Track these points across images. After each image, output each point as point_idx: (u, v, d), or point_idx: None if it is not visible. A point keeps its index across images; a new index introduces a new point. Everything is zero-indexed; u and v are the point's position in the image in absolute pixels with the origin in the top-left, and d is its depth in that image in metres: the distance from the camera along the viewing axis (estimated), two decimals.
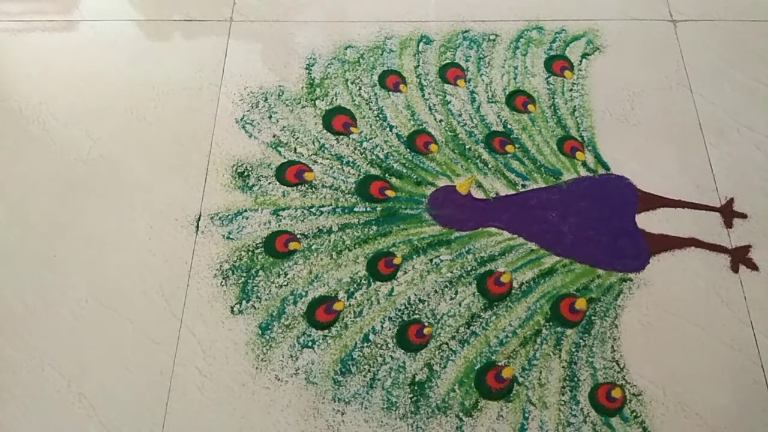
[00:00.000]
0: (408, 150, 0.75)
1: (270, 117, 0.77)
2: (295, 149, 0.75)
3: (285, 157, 0.75)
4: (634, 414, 0.61)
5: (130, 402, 0.62)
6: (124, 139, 0.76)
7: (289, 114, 0.77)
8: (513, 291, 0.67)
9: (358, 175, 0.73)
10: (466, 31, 0.83)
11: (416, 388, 0.62)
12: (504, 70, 0.80)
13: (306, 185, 0.73)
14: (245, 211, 0.71)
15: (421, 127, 0.77)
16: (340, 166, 0.74)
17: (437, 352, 0.64)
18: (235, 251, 0.69)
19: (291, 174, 0.74)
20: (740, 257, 0.68)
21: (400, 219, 0.71)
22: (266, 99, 0.78)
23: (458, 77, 0.80)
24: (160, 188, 0.73)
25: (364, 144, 0.75)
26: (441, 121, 0.77)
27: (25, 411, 0.62)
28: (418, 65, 0.81)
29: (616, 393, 0.61)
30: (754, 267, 0.67)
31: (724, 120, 0.76)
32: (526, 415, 0.60)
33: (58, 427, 0.61)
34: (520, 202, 0.72)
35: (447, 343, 0.64)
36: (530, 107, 0.78)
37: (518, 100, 0.78)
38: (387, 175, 0.73)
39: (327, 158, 0.74)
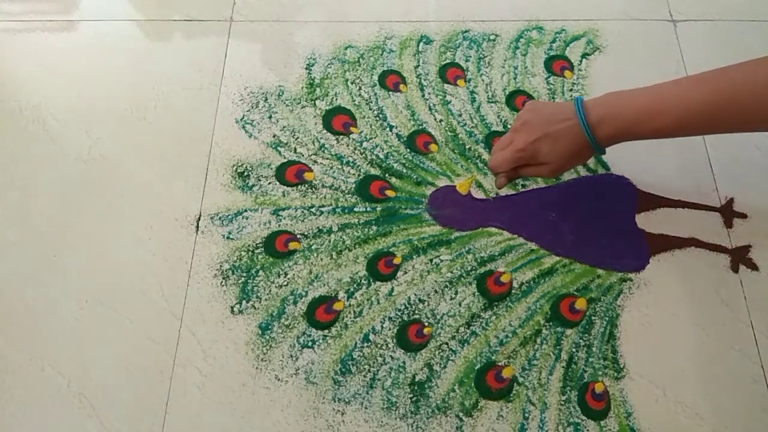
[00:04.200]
0: (408, 150, 0.75)
1: (270, 117, 0.77)
2: (295, 149, 0.75)
3: (285, 157, 0.75)
4: (632, 414, 0.61)
5: (130, 402, 0.62)
6: (124, 139, 0.76)
7: (289, 114, 0.77)
8: (513, 291, 0.67)
9: (358, 175, 0.73)
10: (466, 31, 0.84)
11: (416, 388, 0.62)
12: (504, 70, 0.80)
13: (306, 185, 0.73)
14: (245, 211, 0.71)
15: (421, 127, 0.77)
16: (340, 166, 0.74)
17: (437, 352, 0.64)
18: (235, 251, 0.69)
19: (291, 174, 0.74)
20: (740, 257, 0.68)
21: (400, 219, 0.71)
22: (266, 99, 0.78)
23: (458, 77, 0.80)
24: (160, 188, 0.73)
25: (364, 144, 0.75)
26: (441, 121, 0.77)
27: (25, 411, 0.62)
28: (418, 65, 0.81)
29: (598, 388, 0.61)
30: (754, 267, 0.67)
31: None
32: (526, 415, 0.60)
33: (58, 427, 0.61)
34: (520, 202, 0.72)
35: (447, 343, 0.64)
36: None
37: (518, 100, 0.78)
38: (387, 175, 0.73)
39: (327, 158, 0.74)
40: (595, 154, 0.62)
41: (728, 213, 0.70)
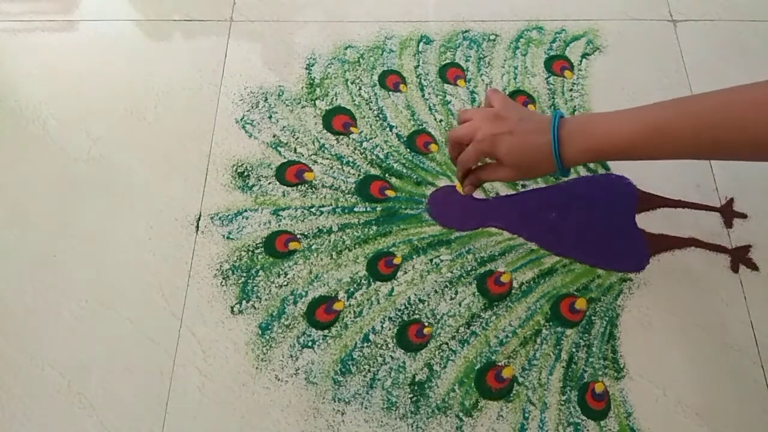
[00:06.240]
0: (408, 150, 0.75)
1: (270, 117, 0.77)
2: (295, 149, 0.75)
3: (285, 157, 0.75)
4: (632, 414, 0.61)
5: (130, 402, 0.62)
6: (124, 139, 0.76)
7: (289, 114, 0.77)
8: (513, 291, 0.67)
9: (358, 175, 0.73)
10: (466, 31, 0.83)
11: (416, 388, 0.62)
12: (504, 70, 0.80)
13: (306, 185, 0.73)
14: (245, 211, 0.71)
15: (421, 127, 0.77)
16: (340, 166, 0.74)
17: (437, 352, 0.64)
18: (235, 251, 0.69)
19: (291, 174, 0.74)
20: (740, 257, 0.68)
21: (400, 219, 0.71)
22: (266, 99, 0.78)
23: (458, 77, 0.80)
24: (160, 188, 0.73)
25: (364, 144, 0.75)
26: (441, 121, 0.77)
27: (25, 411, 0.62)
28: (418, 65, 0.81)
29: (598, 388, 0.61)
30: (754, 267, 0.67)
31: None
32: (526, 415, 0.60)
33: (58, 427, 0.61)
34: (520, 201, 0.72)
35: (447, 343, 0.64)
36: (530, 107, 0.78)
37: (518, 99, 0.78)
38: (387, 175, 0.73)
39: (327, 158, 0.74)
40: (554, 173, 0.58)
41: (728, 213, 0.70)
